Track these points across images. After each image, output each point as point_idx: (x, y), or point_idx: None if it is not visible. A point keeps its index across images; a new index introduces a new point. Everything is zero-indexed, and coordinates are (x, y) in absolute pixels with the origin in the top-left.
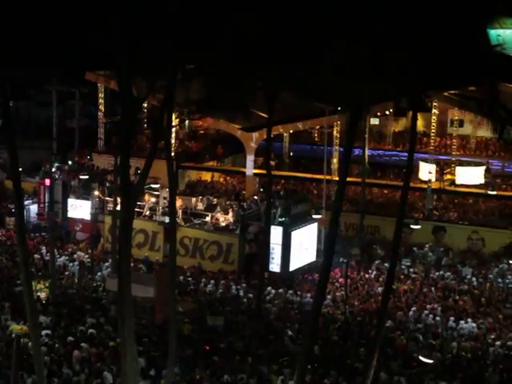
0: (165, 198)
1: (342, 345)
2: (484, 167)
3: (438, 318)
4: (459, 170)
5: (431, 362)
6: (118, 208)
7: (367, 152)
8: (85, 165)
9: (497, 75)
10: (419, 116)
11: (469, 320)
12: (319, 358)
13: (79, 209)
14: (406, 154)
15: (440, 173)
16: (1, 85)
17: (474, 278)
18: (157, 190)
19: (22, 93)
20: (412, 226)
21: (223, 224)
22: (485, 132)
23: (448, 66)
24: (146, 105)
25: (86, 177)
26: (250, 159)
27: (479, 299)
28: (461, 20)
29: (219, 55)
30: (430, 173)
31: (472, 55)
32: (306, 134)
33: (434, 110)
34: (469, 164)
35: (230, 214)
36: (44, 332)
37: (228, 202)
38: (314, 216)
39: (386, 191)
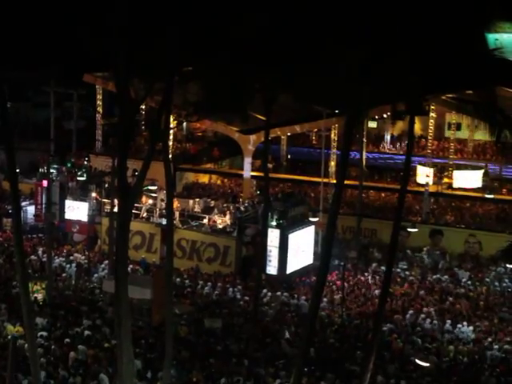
0: (162, 200)
1: (339, 348)
2: (481, 171)
3: (434, 322)
4: (456, 173)
5: (427, 365)
6: (116, 210)
7: (364, 155)
8: (82, 166)
9: (494, 79)
10: (417, 119)
11: (465, 323)
12: (316, 360)
13: (76, 210)
14: (404, 157)
15: (438, 176)
16: None
17: (470, 282)
18: (154, 192)
19: (19, 94)
20: (409, 230)
21: (220, 226)
22: (482, 136)
23: (446, 70)
24: (143, 106)
25: (84, 178)
26: (248, 161)
27: (476, 303)
28: (459, 24)
29: (217, 57)
30: (427, 176)
31: (470, 59)
32: (303, 136)
33: (431, 114)
34: (466, 167)
35: (228, 216)
36: (40, 333)
37: (225, 205)
38: (311, 219)
39: (383, 194)
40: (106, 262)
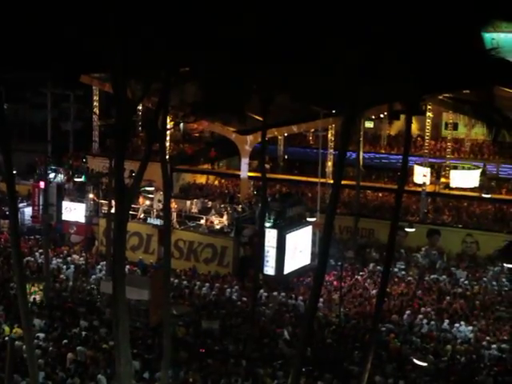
0: (159, 201)
1: (337, 348)
2: (478, 170)
3: (432, 322)
4: (453, 173)
5: (425, 365)
6: (113, 211)
7: (362, 155)
8: (79, 168)
9: (491, 79)
10: (413, 119)
11: (462, 323)
12: (314, 360)
13: (74, 211)
14: (401, 157)
15: (435, 176)
16: None
17: (468, 282)
18: (151, 193)
19: (16, 95)
20: (406, 229)
21: (218, 227)
22: (479, 135)
23: (443, 70)
24: (140, 107)
25: (81, 179)
26: (245, 162)
27: (473, 302)
28: (456, 23)
29: (214, 57)
30: (424, 176)
31: (467, 59)
32: (300, 136)
33: (428, 113)
34: (463, 167)
35: (225, 216)
36: (38, 335)
37: (222, 205)
38: (308, 219)
39: (380, 194)
40: (104, 263)
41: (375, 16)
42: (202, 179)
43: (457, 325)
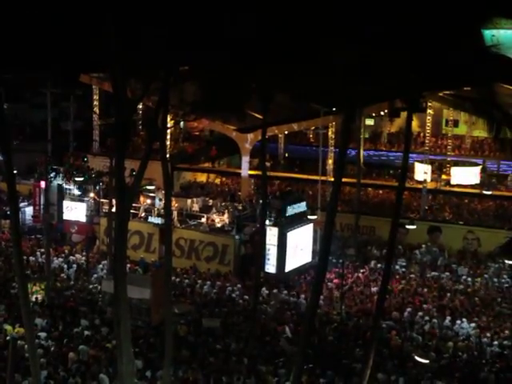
0: (160, 200)
1: (338, 345)
2: (478, 167)
3: (434, 320)
4: (454, 170)
5: (427, 362)
6: (114, 210)
7: (362, 152)
8: (80, 167)
9: (492, 75)
10: (414, 116)
11: (464, 320)
12: (315, 358)
13: (75, 211)
14: (401, 154)
15: (437, 174)
16: None
17: (469, 278)
18: (152, 192)
19: (16, 95)
20: (407, 227)
21: (219, 225)
22: (480, 132)
23: (443, 67)
24: (140, 106)
25: (82, 179)
26: (245, 160)
27: (474, 299)
28: (456, 20)
29: (213, 56)
30: (425, 173)
31: (467, 55)
32: (301, 134)
33: (428, 111)
34: (464, 164)
35: (226, 215)
36: (40, 334)
37: (223, 203)
38: (309, 217)
39: (380, 191)
40: (105, 262)
41: (375, 14)
42: (202, 178)
43: (458, 321)
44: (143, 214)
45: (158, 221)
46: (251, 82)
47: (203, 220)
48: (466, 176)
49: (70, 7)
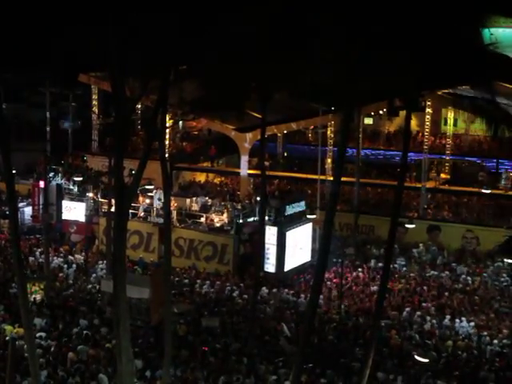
0: (159, 199)
1: (338, 344)
2: None
3: (433, 318)
4: None
5: (426, 361)
6: (113, 209)
7: (361, 152)
8: (79, 166)
9: (491, 74)
10: (413, 115)
11: (463, 319)
12: (315, 357)
13: (74, 211)
14: (400, 153)
15: (436, 172)
16: None
17: (468, 277)
18: (151, 192)
19: (15, 95)
20: (406, 226)
21: (218, 225)
22: (479, 131)
23: (442, 65)
24: (139, 106)
25: (80, 178)
26: (244, 160)
27: (474, 298)
28: (454, 19)
29: (212, 55)
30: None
31: (466, 54)
32: (300, 134)
33: (427, 109)
34: (463, 163)
35: (225, 214)
36: (39, 334)
37: (223, 203)
38: (308, 216)
39: (379, 190)
40: (104, 261)
41: (374, 12)
42: (201, 177)
43: (457, 320)
44: (142, 214)
45: (157, 220)
46: (250, 81)
47: (202, 219)
48: None
49: (69, 6)
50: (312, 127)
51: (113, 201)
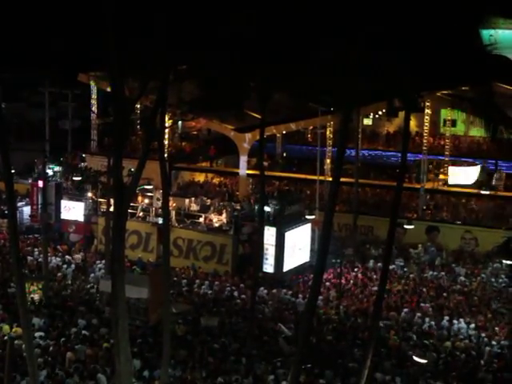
0: (158, 199)
1: (337, 345)
2: (477, 167)
3: (431, 318)
4: (452, 169)
5: (425, 361)
6: (112, 209)
7: (360, 152)
8: (78, 166)
9: (490, 75)
10: (412, 116)
11: (462, 320)
12: (313, 358)
13: (72, 210)
14: (399, 154)
15: (434, 173)
16: None
17: (467, 278)
18: (150, 191)
19: (14, 94)
20: (405, 226)
21: (217, 225)
22: (478, 132)
23: (441, 66)
24: (138, 106)
25: (79, 178)
26: (243, 160)
27: (472, 298)
28: (454, 20)
29: (212, 55)
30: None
31: (465, 55)
32: (298, 134)
33: (426, 110)
34: (462, 164)
35: (224, 214)
36: (37, 334)
37: (221, 203)
38: (307, 216)
39: (378, 191)
40: (103, 261)
41: (374, 13)
42: (200, 177)
43: (456, 321)
44: (141, 214)
45: (156, 220)
46: (249, 81)
47: (201, 220)
48: (463, 176)
49: (69, 6)
50: (311, 128)
51: (112, 200)
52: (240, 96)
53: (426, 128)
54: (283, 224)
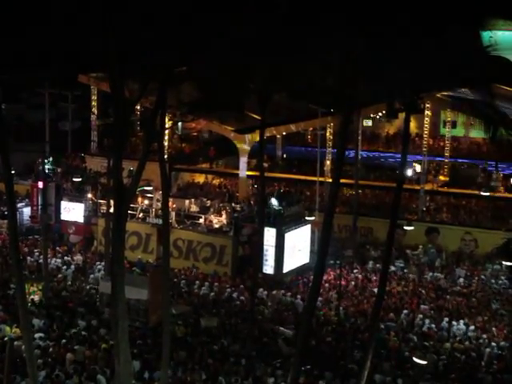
0: (158, 201)
1: (336, 346)
2: None
3: (431, 320)
4: None
5: (425, 363)
6: (112, 210)
7: (360, 154)
8: (78, 167)
9: (490, 77)
10: (412, 117)
11: (461, 321)
12: (313, 359)
13: (72, 211)
14: (399, 155)
15: (433, 174)
16: None
17: (466, 280)
18: (150, 193)
19: (14, 95)
20: (405, 228)
21: (217, 226)
22: (477, 133)
23: (441, 68)
24: (138, 107)
25: (79, 179)
26: (243, 161)
27: (472, 300)
28: (454, 21)
29: (211, 56)
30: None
31: (465, 57)
32: (299, 135)
33: (426, 112)
34: (461, 165)
35: (224, 215)
36: (37, 335)
37: (221, 204)
38: (307, 218)
39: (377, 192)
40: (103, 262)
41: (374, 14)
42: (200, 178)
43: (455, 323)
44: (141, 215)
45: (156, 221)
46: (249, 82)
47: (201, 221)
48: None
49: (69, 7)
50: (311, 129)
51: (111, 202)
52: (240, 97)
53: (425, 129)
54: (283, 225)
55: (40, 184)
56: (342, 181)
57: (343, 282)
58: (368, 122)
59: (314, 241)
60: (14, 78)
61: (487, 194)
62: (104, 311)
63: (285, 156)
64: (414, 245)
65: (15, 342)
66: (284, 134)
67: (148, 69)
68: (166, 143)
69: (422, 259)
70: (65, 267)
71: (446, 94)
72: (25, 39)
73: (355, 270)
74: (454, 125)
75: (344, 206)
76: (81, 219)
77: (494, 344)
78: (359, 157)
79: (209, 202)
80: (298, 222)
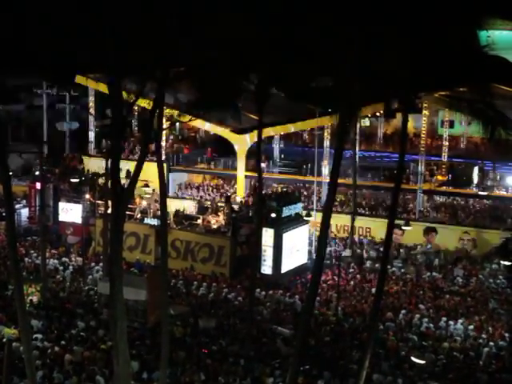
0: (156, 201)
1: (335, 346)
2: None
3: (429, 319)
4: None
5: (423, 362)
6: (110, 211)
7: (358, 153)
8: (75, 168)
9: (488, 76)
10: (409, 117)
11: (459, 321)
12: (312, 359)
13: (70, 212)
14: (397, 155)
15: (431, 174)
16: None
17: (465, 279)
18: (148, 193)
19: (12, 96)
20: (403, 228)
21: (214, 226)
22: (475, 133)
23: (439, 67)
24: (136, 108)
25: (77, 180)
26: (241, 161)
27: (470, 300)
28: (452, 21)
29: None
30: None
31: (463, 56)
32: (296, 135)
33: (424, 111)
34: (459, 165)
35: (222, 216)
36: (35, 336)
37: (219, 205)
38: (305, 218)
39: (375, 192)
40: (101, 263)
41: (371, 14)
42: (198, 179)
43: (453, 322)
44: (139, 216)
45: (154, 222)
46: (247, 82)
47: (199, 221)
48: None
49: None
50: (309, 129)
51: (109, 202)
52: (236, 96)
53: (423, 129)
54: (281, 225)
55: (38, 185)
56: (339, 181)
57: (342, 282)
58: (366, 122)
59: (312, 241)
60: (12, 79)
61: (485, 193)
62: (102, 312)
63: (283, 156)
64: (413, 245)
65: (14, 343)
66: (282, 134)
67: (146, 69)
68: (163, 144)
69: (420, 259)
70: (61, 268)
71: (443, 93)
72: (23, 40)
73: (352, 270)
74: (451, 124)
75: (342, 206)
76: (79, 220)
77: (492, 343)
78: (357, 157)
79: (207, 202)
80: (296, 222)
